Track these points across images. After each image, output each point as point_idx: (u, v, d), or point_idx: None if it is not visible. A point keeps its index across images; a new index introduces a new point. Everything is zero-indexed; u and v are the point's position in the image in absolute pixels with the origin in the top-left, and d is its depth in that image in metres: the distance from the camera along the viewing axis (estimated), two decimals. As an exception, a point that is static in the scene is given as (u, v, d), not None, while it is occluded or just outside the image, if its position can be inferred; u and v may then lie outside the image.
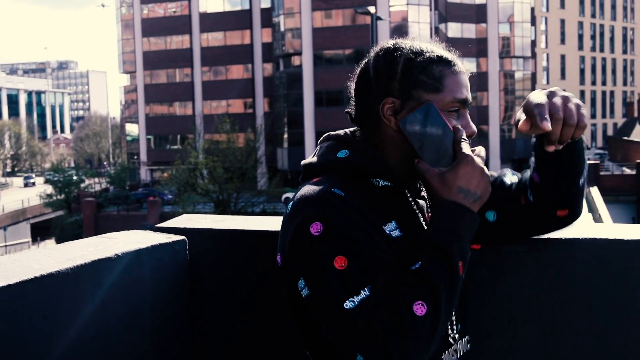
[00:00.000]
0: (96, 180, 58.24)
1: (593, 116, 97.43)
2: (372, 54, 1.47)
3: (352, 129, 1.52)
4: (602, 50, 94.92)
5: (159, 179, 55.75)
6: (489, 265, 1.73)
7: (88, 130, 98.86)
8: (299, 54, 50.99)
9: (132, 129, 65.45)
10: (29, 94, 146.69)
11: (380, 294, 1.23)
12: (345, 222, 1.29)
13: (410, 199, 1.45)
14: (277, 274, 1.42)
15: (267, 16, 54.31)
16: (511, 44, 56.91)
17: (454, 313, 1.45)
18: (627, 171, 42.88)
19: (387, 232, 1.35)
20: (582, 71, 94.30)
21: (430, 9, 49.79)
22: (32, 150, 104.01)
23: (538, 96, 1.38)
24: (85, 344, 1.50)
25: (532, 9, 59.14)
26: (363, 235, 1.29)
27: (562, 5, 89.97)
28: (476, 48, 56.00)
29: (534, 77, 59.10)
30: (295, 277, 1.32)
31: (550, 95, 1.37)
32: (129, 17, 60.44)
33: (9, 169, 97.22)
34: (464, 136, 1.37)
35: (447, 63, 1.42)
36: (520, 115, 1.41)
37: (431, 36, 49.06)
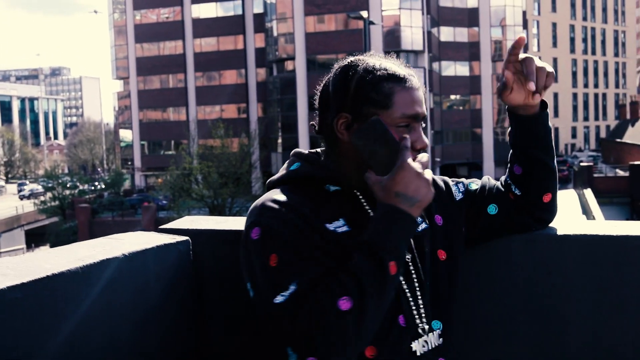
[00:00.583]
0: (91, 188, 58.08)
1: (586, 119, 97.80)
2: (334, 70, 1.57)
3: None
4: (594, 53, 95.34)
5: (153, 185, 55.70)
6: (481, 262, 1.80)
7: (82, 137, 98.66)
8: (292, 58, 51.07)
9: (125, 134, 65.36)
10: (22, 100, 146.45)
11: (308, 288, 1.33)
12: (280, 224, 1.41)
13: (363, 201, 1.54)
14: None
15: (260, 21, 54.38)
16: (503, 48, 57.08)
17: (421, 306, 1.53)
18: (621, 173, 43.04)
19: (332, 229, 1.46)
20: (574, 74, 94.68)
21: (423, 14, 49.95)
22: (26, 157, 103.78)
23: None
24: (93, 340, 1.55)
25: (524, 13, 59.41)
26: (297, 235, 1.40)
27: (554, 9, 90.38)
28: (469, 52, 56.19)
29: (526, 80, 59.19)
30: (246, 281, 1.46)
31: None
32: (121, 23, 60.41)
33: (2, 176, 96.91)
34: (408, 145, 1.43)
35: (399, 80, 1.50)
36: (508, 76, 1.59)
37: (424, 40, 49.29)
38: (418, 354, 1.51)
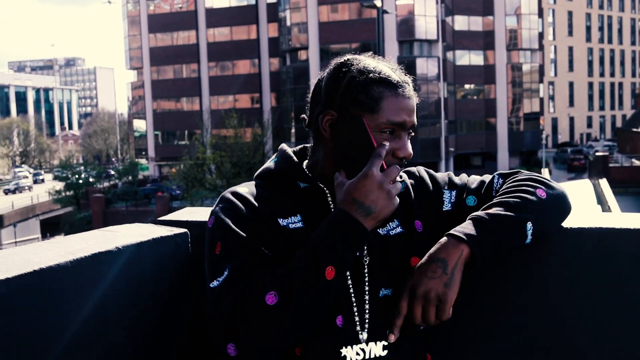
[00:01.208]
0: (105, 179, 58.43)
1: (602, 108, 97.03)
2: (329, 66, 1.55)
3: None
4: (610, 41, 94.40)
5: (167, 175, 55.87)
6: (494, 259, 1.71)
7: (96, 127, 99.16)
8: (306, 48, 50.95)
9: (139, 125, 65.58)
10: (37, 91, 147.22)
11: (239, 276, 1.36)
12: (229, 214, 1.45)
13: (331, 200, 1.52)
14: None
15: (273, 11, 54.25)
16: (518, 37, 56.67)
17: (367, 311, 1.45)
18: (637, 163, 42.66)
19: (284, 224, 1.46)
20: (590, 63, 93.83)
21: (437, 2, 49.58)
22: (41, 147, 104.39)
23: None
24: (85, 337, 1.49)
25: (539, 1, 58.85)
26: (242, 225, 1.43)
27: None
28: (483, 41, 55.77)
29: (541, 70, 58.88)
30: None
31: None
32: (135, 14, 60.47)
33: (24, 166, 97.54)
34: (382, 153, 1.40)
35: (390, 85, 1.46)
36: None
37: (438, 29, 48.98)
38: None
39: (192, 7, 57.72)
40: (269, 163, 1.61)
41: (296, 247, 1.39)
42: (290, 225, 1.46)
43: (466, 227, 1.44)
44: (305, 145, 1.66)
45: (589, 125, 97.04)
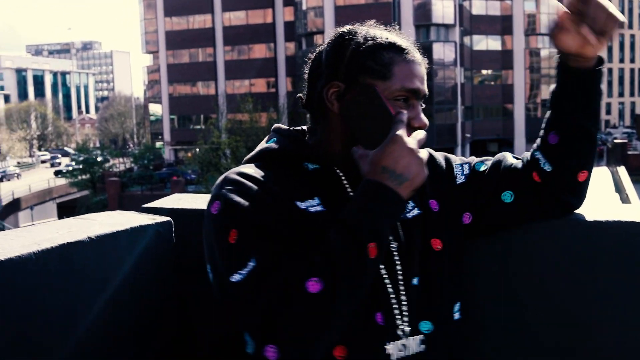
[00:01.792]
0: (120, 160, 58.70)
1: (621, 94, 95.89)
2: (328, 39, 1.43)
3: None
4: (630, 26, 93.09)
5: (182, 159, 55.95)
6: (493, 252, 1.57)
7: (112, 111, 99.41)
8: (322, 32, 50.59)
9: (155, 109, 65.70)
10: (54, 74, 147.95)
11: (270, 266, 1.18)
12: (242, 197, 1.26)
13: (345, 181, 1.38)
14: None
15: (290, -6, 53.95)
16: (537, 21, 55.93)
17: (404, 303, 1.32)
18: (656, 150, 42.08)
19: (303, 207, 1.30)
20: (610, 49, 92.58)
21: (455, -14, 49.04)
22: (58, 130, 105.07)
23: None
24: (52, 334, 1.37)
25: (559, -15, 58.01)
26: (260, 209, 1.25)
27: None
28: (501, 25, 55.14)
29: (560, 55, 58.16)
30: (206, 264, 1.32)
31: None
32: (151, -3, 60.36)
33: (35, 149, 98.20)
34: (403, 119, 1.27)
35: (400, 50, 1.36)
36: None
37: (455, 13, 48.58)
38: (393, 358, 1.30)
39: (208, -10, 57.51)
40: (268, 143, 1.44)
41: (318, 232, 1.24)
42: (310, 208, 1.31)
43: None
44: (296, 128, 1.51)
45: (608, 112, 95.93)
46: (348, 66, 1.35)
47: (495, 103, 56.14)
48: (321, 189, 1.35)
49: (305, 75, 1.44)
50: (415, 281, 1.35)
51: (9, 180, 56.62)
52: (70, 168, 52.64)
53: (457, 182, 1.49)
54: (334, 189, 1.37)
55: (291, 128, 1.50)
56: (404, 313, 1.32)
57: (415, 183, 1.23)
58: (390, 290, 1.32)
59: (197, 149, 40.66)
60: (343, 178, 1.38)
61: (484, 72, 56.36)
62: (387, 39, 1.36)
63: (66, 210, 50.22)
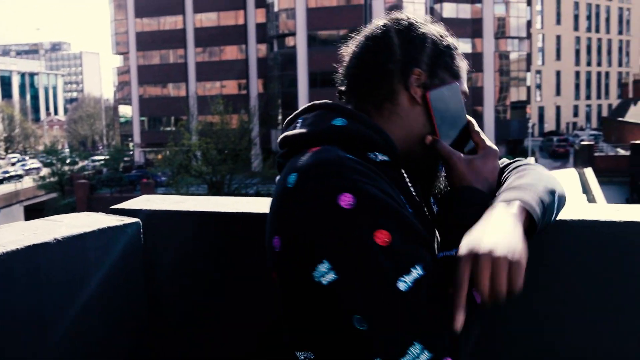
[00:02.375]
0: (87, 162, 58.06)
1: (588, 97, 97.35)
2: (381, 22, 1.37)
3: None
4: (597, 30, 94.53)
5: (152, 161, 55.49)
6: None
7: (81, 112, 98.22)
8: (293, 34, 50.62)
9: (125, 110, 65.15)
10: (22, 75, 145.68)
11: (431, 273, 1.10)
12: (379, 191, 1.10)
13: (407, 177, 1.28)
14: (271, 261, 1.19)
15: (261, -4, 53.85)
16: (506, 25, 56.57)
17: None
18: (622, 152, 42.80)
19: (410, 210, 1.20)
20: (577, 52, 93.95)
21: (425, -11, 49.38)
22: (26, 132, 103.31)
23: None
24: (19, 336, 1.35)
25: (528, -11, 58.73)
26: (401, 208, 1.12)
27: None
28: (471, 28, 55.65)
29: (529, 58, 58.89)
30: (313, 261, 1.09)
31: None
32: (121, -3, 59.84)
33: (1, 152, 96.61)
34: (477, 127, 1.36)
35: (461, 55, 1.40)
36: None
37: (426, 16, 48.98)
38: None
39: (178, -9, 57.17)
40: (334, 122, 1.23)
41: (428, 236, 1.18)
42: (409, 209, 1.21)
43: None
44: (348, 108, 1.30)
45: (576, 114, 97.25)
46: (432, 57, 1.33)
47: (465, 105, 56.58)
48: (399, 187, 1.23)
49: (355, 59, 1.35)
50: None
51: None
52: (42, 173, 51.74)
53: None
54: (405, 189, 1.25)
55: (345, 105, 1.32)
56: None
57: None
58: None
59: (168, 151, 40.29)
60: (405, 174, 1.28)
61: (454, 74, 56.84)
62: (453, 40, 1.40)
63: (34, 213, 49.41)
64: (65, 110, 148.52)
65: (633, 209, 1.56)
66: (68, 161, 52.19)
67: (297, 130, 1.25)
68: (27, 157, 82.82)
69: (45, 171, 51.96)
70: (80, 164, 54.32)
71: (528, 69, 59.47)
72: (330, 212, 1.08)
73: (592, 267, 1.50)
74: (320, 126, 1.23)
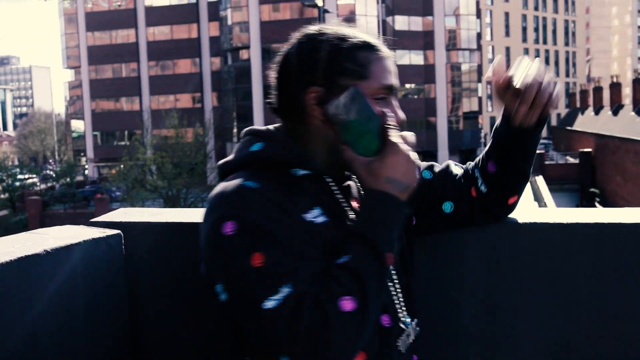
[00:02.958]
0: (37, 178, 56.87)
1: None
2: (294, 40, 1.40)
3: (277, 124, 1.45)
4: (545, 42, 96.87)
5: (106, 176, 54.74)
6: (433, 252, 1.72)
7: (32, 128, 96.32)
8: (247, 47, 50.69)
9: (77, 125, 64.15)
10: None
11: (303, 290, 1.16)
12: (261, 216, 1.21)
13: (333, 185, 1.37)
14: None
15: (214, 9, 53.78)
16: (457, 37, 57.60)
17: (401, 300, 1.41)
18: (571, 160, 43.91)
19: (309, 219, 1.27)
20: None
21: (378, 2, 50.06)
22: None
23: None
24: (12, 343, 1.43)
25: (478, 2, 59.93)
26: (281, 228, 1.21)
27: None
28: (423, 41, 56.51)
29: (479, 69, 59.94)
30: (213, 282, 1.24)
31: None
32: (72, 11, 59.14)
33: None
34: (392, 122, 1.32)
35: (372, 49, 1.36)
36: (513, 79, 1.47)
37: (379, 29, 49.40)
38: (403, 350, 1.40)
39: (131, 5, 56.75)
40: (253, 148, 1.36)
41: (328, 245, 1.25)
42: (315, 220, 1.28)
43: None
44: (269, 128, 1.43)
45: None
46: (326, 70, 1.33)
47: (419, 116, 57.31)
48: (317, 198, 1.32)
49: (274, 81, 1.40)
50: (402, 279, 1.44)
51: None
52: None
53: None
54: (327, 197, 1.35)
55: (267, 129, 1.43)
56: (402, 307, 1.41)
57: (412, 188, 1.30)
58: (392, 290, 1.40)
59: (122, 166, 39.85)
60: (332, 185, 1.37)
61: (407, 86, 57.49)
62: (359, 38, 1.36)
63: (-17, 231, 48.32)
64: (15, 126, 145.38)
65: (579, 212, 1.72)
66: (21, 177, 51.11)
67: (227, 158, 1.40)
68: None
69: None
70: (32, 180, 53.22)
71: (479, 80, 60.59)
72: (216, 239, 1.22)
73: (542, 264, 1.65)
74: (242, 152, 1.38)
